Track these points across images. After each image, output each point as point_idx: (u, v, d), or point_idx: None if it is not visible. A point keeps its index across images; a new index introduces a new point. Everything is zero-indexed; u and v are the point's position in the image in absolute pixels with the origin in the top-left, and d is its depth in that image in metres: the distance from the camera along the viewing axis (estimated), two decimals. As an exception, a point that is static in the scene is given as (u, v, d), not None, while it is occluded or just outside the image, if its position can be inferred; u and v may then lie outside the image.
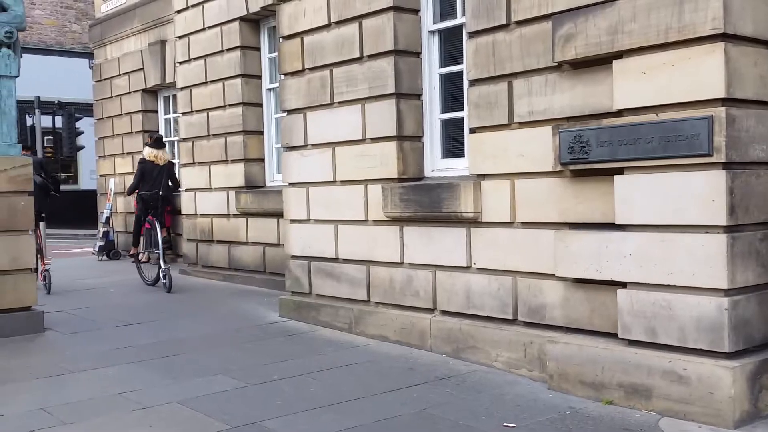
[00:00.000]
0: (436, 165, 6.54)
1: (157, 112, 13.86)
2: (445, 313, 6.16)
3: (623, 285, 4.75)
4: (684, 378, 4.36)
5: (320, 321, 7.33)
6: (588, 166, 4.90)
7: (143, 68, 13.52)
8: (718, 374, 4.23)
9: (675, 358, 4.42)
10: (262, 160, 10.26)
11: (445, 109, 6.51)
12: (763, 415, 4.33)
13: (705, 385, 4.28)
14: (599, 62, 4.84)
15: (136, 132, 13.92)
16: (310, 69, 7.34)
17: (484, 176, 5.77)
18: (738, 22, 4.24)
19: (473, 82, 5.81)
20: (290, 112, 7.66)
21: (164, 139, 11.77)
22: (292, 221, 7.71)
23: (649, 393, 4.52)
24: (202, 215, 11.12)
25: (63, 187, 12.28)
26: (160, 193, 10.64)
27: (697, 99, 4.32)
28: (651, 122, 4.51)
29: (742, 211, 4.29)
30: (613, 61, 4.72)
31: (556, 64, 5.11)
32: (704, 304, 4.32)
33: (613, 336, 4.83)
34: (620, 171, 4.72)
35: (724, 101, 4.23)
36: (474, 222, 5.84)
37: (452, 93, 6.45)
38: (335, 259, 7.20)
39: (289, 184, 7.75)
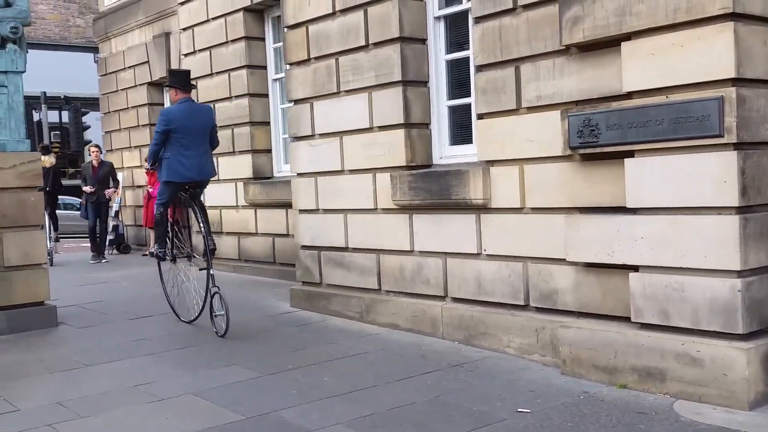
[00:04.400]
0: (444, 152, 6.52)
1: (163, 104, 13.85)
2: (456, 300, 6.17)
3: (635, 268, 4.73)
4: (698, 360, 4.35)
5: (331, 310, 7.35)
6: (598, 150, 4.87)
7: (148, 61, 13.51)
8: (731, 356, 4.22)
9: (688, 341, 4.41)
10: (270, 151, 10.26)
11: (452, 95, 6.49)
12: (778, 396, 4.32)
13: (719, 367, 4.27)
14: (607, 45, 4.80)
15: (142, 125, 13.94)
16: (316, 58, 7.31)
17: (492, 162, 5.75)
18: (747, 0, 4.19)
19: (480, 68, 5.79)
20: (297, 101, 7.65)
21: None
22: (301, 211, 7.72)
23: (663, 376, 4.52)
24: (211, 207, 11.09)
25: (71, 182, 12.55)
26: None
27: (706, 80, 4.28)
28: (661, 104, 4.48)
29: (754, 192, 4.26)
30: (622, 44, 4.68)
31: (564, 47, 5.08)
32: (717, 286, 4.30)
33: (626, 320, 4.82)
34: (630, 154, 4.70)
35: (735, 81, 4.19)
36: (483, 208, 5.83)
37: (459, 79, 6.42)
38: (345, 249, 7.21)
39: (297, 174, 7.74)
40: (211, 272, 6.72)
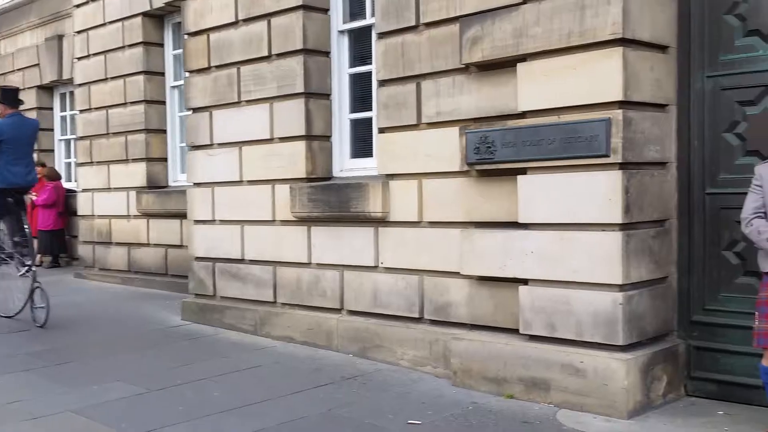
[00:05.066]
0: (345, 165, 6.53)
1: (52, 109, 13.28)
2: (352, 312, 6.15)
3: (525, 282, 4.87)
4: (581, 371, 4.50)
5: (225, 323, 7.17)
6: (493, 166, 5.00)
7: (39, 64, 12.92)
8: (612, 366, 4.38)
9: (572, 352, 4.56)
10: (165, 160, 9.98)
11: (354, 108, 6.52)
12: (655, 405, 4.51)
13: (600, 377, 4.42)
14: (505, 65, 4.95)
15: (30, 130, 13.24)
16: (217, 67, 7.19)
17: (392, 176, 5.80)
18: (636, 27, 4.43)
19: (382, 83, 5.84)
20: (195, 110, 7.48)
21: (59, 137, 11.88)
22: (197, 222, 7.52)
23: (547, 386, 4.64)
24: (100, 216, 10.71)
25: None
26: None
27: (596, 101, 4.48)
28: (553, 124, 4.64)
29: (636, 210, 4.47)
30: (517, 64, 4.84)
31: (464, 66, 5.20)
32: (601, 299, 4.48)
33: (516, 332, 4.94)
34: (524, 171, 4.84)
35: (622, 104, 4.40)
36: (382, 222, 5.86)
37: (362, 93, 6.46)
38: (241, 260, 7.07)
39: (194, 184, 7.56)
40: (33, 269, 7.49)
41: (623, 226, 4.42)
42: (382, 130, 5.88)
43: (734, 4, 4.47)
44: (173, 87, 9.86)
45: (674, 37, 4.68)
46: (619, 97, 4.37)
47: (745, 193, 3.84)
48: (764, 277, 3.74)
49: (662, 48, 4.64)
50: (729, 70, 4.49)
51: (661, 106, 4.65)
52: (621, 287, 4.42)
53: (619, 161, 4.39)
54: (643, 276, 4.53)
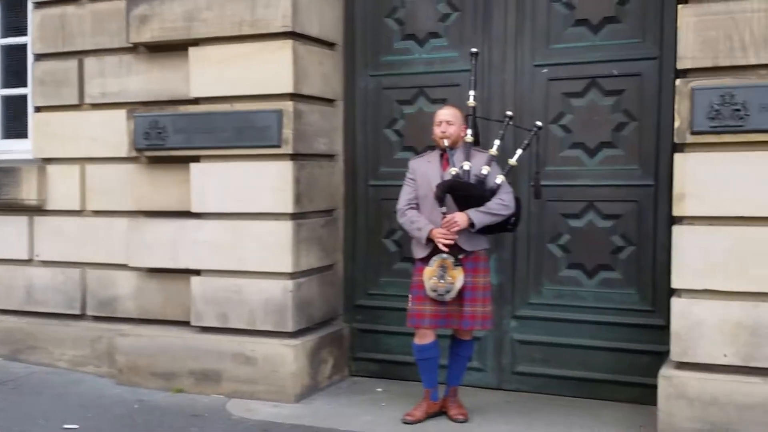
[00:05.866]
0: (-6, 146, 5.78)
1: None
2: (2, 312, 5.48)
3: (198, 273, 4.75)
4: (251, 359, 4.52)
5: None
6: (164, 153, 4.80)
7: None
8: (281, 353, 4.47)
9: (244, 341, 4.56)
10: None
11: (6, 84, 5.77)
12: (321, 387, 4.70)
13: (270, 364, 4.48)
14: (177, 48, 4.76)
15: None
16: None
17: (50, 160, 5.30)
18: (305, 22, 4.54)
19: (39, 57, 5.31)
20: None
21: None
22: None
23: (218, 377, 4.59)
24: None
25: None
26: None
27: (269, 92, 4.50)
28: (226, 112, 4.59)
29: (307, 200, 4.61)
30: (189, 49, 4.69)
31: (132, 45, 4.91)
32: (272, 288, 4.53)
33: (188, 324, 4.80)
34: (197, 159, 4.72)
35: (293, 96, 4.48)
36: (38, 210, 5.32)
37: (15, 67, 5.74)
38: None
39: None
40: None
41: (294, 216, 4.52)
42: (38, 109, 5.35)
43: (393, 8, 4.82)
44: None
45: (341, 35, 4.90)
46: (290, 90, 4.46)
47: (402, 186, 4.15)
48: (417, 262, 4.08)
49: (330, 45, 4.83)
50: (389, 71, 4.83)
51: (329, 101, 4.85)
52: (291, 275, 4.52)
53: (290, 152, 4.48)
54: (312, 264, 4.69)
